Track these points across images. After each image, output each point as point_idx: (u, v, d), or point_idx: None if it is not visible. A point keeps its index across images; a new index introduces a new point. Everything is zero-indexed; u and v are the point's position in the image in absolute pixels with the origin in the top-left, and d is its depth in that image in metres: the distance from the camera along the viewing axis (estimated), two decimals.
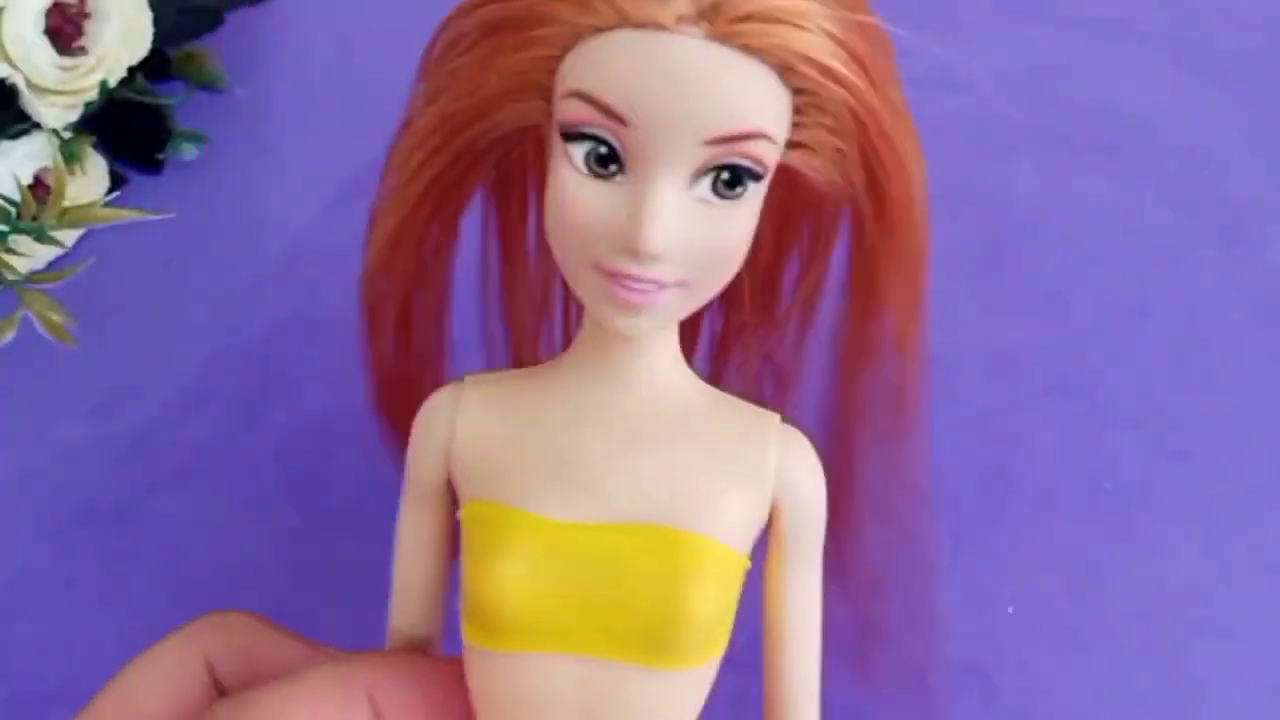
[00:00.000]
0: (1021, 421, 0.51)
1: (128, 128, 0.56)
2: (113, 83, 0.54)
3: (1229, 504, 0.49)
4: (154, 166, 0.56)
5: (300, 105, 0.59)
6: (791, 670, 0.34)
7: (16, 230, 0.46)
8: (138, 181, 0.56)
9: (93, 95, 0.53)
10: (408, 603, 0.35)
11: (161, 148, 0.56)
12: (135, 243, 0.54)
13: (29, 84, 0.51)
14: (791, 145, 0.30)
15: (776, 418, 0.34)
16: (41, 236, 0.46)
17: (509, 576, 0.31)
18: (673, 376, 0.33)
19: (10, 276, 0.48)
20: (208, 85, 0.59)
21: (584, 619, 0.31)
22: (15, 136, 0.51)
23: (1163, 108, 0.58)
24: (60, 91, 0.52)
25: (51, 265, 0.53)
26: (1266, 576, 0.48)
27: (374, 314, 0.37)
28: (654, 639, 0.31)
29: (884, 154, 0.32)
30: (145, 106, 0.55)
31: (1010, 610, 0.48)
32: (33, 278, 0.49)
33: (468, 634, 0.32)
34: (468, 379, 0.34)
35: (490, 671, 0.32)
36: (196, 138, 0.57)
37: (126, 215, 0.46)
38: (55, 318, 0.48)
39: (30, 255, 0.50)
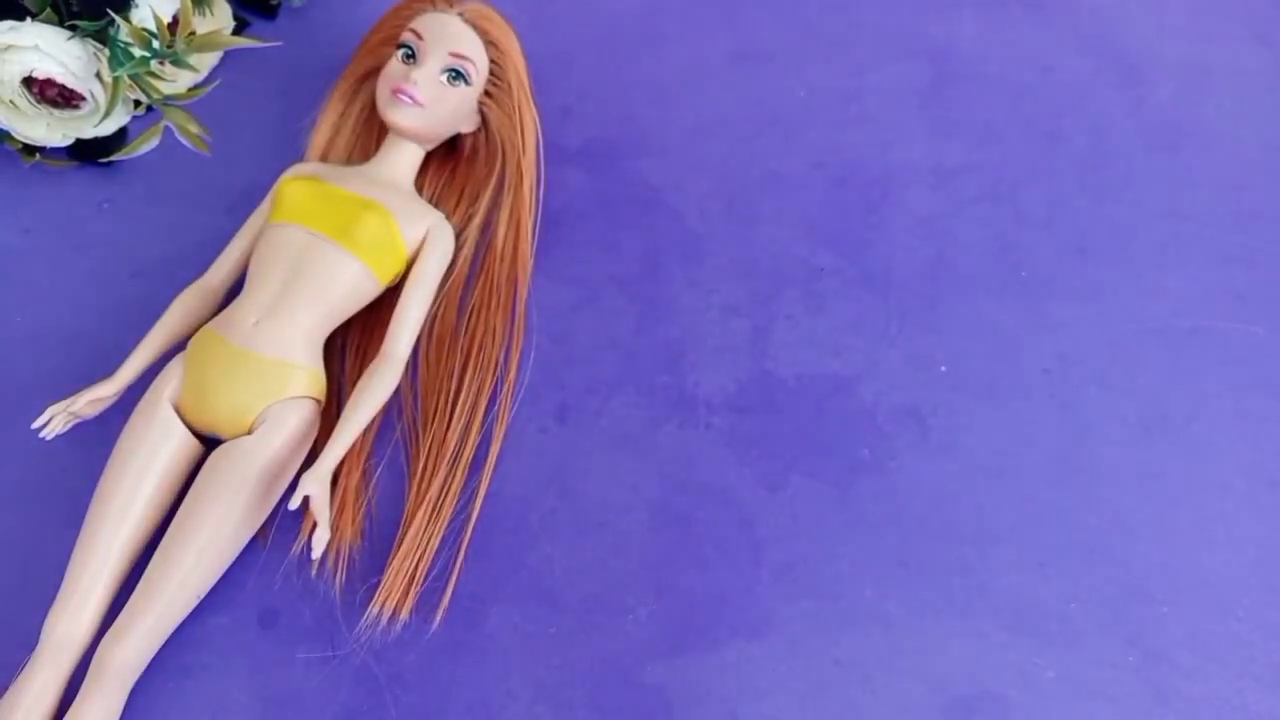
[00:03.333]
0: (957, 223, 0.49)
1: None
2: None
3: (1118, 290, 0.47)
4: (269, 11, 0.52)
5: None
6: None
7: (157, 55, 0.43)
8: (256, 24, 0.52)
9: None
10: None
11: None
12: (255, 75, 0.51)
13: None
14: (485, 95, 0.47)
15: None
16: (177, 60, 0.43)
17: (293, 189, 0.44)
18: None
19: (155, 96, 0.45)
20: None
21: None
22: None
23: None
24: None
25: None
26: (1144, 336, 0.46)
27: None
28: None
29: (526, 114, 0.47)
30: None
31: (943, 369, 0.46)
32: (173, 97, 0.46)
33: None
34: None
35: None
36: None
37: (243, 42, 0.44)
38: (193, 129, 0.46)
39: (172, 80, 0.47)
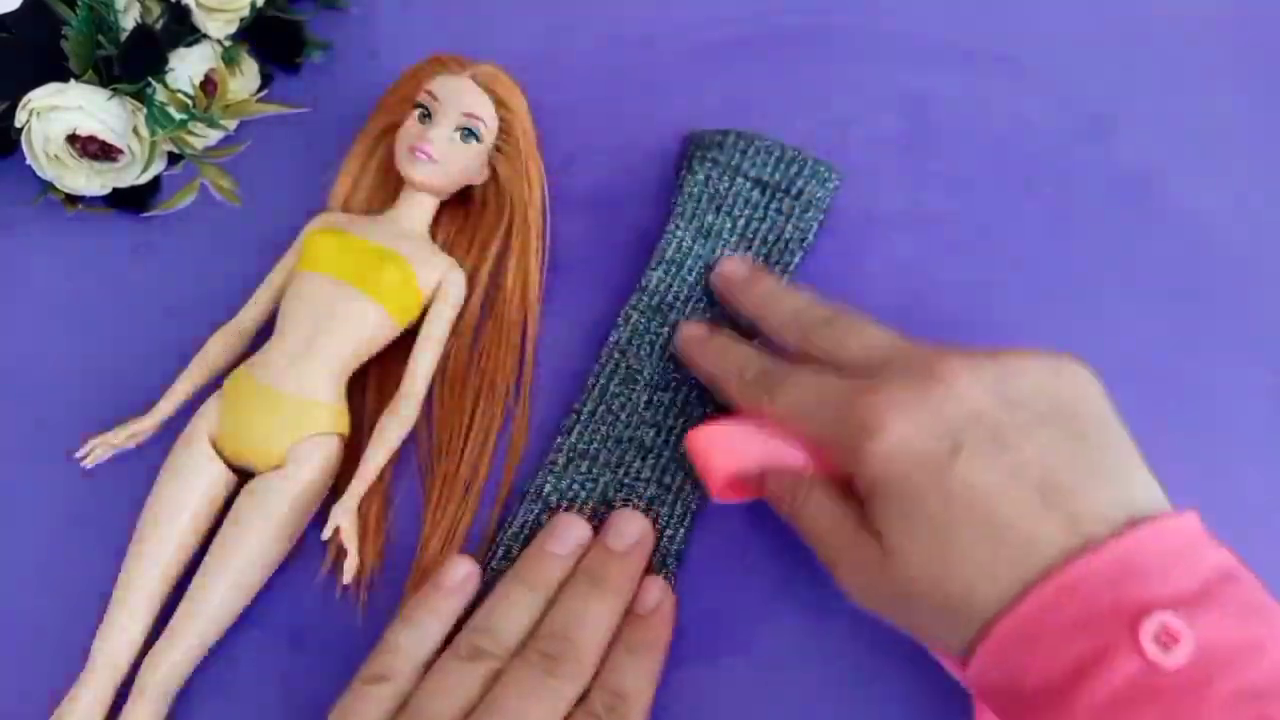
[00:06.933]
0: (934, 269, 0.52)
1: (272, 37, 0.56)
2: (260, 2, 0.53)
3: (1085, 337, 0.50)
4: (293, 67, 0.56)
5: (399, 18, 0.59)
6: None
7: (194, 119, 0.47)
8: (281, 78, 0.56)
9: (246, 12, 0.53)
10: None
11: (299, 53, 0.56)
12: (281, 127, 0.54)
13: (198, 4, 0.51)
14: (495, 149, 0.50)
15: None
16: (212, 124, 0.47)
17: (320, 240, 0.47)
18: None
19: (189, 152, 0.49)
20: (330, 4, 0.58)
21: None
22: (189, 45, 0.51)
23: (1049, 31, 0.57)
24: (221, 10, 0.52)
25: (219, 145, 0.53)
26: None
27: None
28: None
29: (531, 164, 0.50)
30: (285, 21, 0.55)
31: None
32: (207, 153, 0.49)
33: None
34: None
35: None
36: (323, 45, 0.57)
37: (274, 109, 0.47)
38: (225, 184, 0.49)
39: (204, 136, 0.51)
